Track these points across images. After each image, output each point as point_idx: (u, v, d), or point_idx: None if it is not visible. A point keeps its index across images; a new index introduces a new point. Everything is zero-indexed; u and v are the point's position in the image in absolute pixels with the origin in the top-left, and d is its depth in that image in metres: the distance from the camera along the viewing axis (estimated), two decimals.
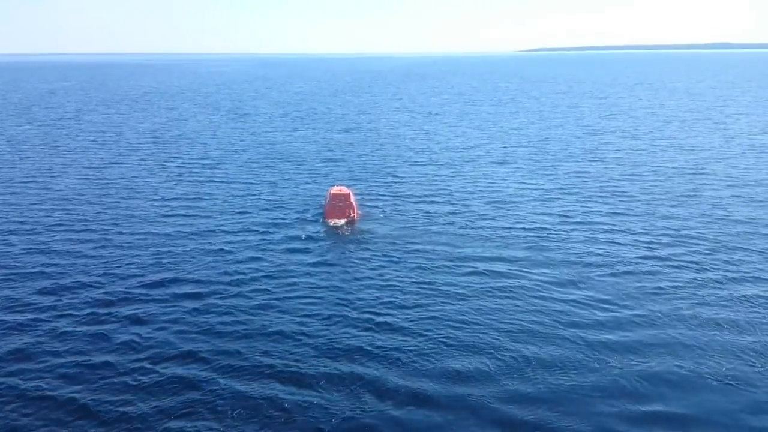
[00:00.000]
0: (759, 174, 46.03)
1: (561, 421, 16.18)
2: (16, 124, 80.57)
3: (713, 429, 15.96)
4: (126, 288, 24.96)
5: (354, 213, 34.20)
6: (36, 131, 73.65)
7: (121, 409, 16.77)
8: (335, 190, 35.62)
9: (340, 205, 34.08)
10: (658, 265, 27.10)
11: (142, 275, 26.30)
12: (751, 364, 18.85)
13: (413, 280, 25.60)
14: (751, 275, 25.91)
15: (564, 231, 32.26)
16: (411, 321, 21.78)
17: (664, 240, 30.54)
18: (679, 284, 25.01)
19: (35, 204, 38.72)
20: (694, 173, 46.52)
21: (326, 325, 21.54)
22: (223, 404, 16.91)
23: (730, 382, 17.85)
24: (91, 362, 19.19)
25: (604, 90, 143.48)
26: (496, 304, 23.26)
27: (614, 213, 35.63)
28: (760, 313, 22.37)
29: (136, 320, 22.05)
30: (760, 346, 19.87)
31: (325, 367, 18.73)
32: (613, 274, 26.10)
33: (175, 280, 25.73)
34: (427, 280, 25.53)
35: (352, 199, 34.72)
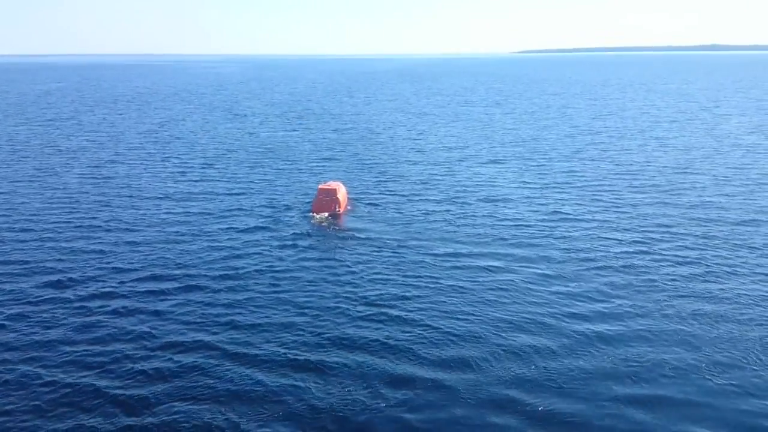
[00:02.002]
0: (749, 172, 47.06)
1: (559, 404, 16.88)
2: (12, 125, 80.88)
3: (702, 413, 16.59)
4: (127, 281, 25.66)
5: (340, 207, 34.90)
6: (33, 131, 74.02)
7: (131, 392, 17.51)
8: (324, 185, 36.38)
9: (326, 199, 34.81)
10: (647, 259, 27.97)
11: (142, 269, 26.95)
12: (738, 355, 19.51)
13: (403, 272, 26.27)
14: (739, 268, 26.76)
15: (556, 227, 33.07)
16: (403, 310, 22.53)
17: (654, 235, 31.38)
18: (668, 277, 25.83)
19: (36, 202, 39.28)
20: (684, 172, 47.51)
21: (322, 314, 22.32)
22: (231, 393, 17.54)
23: (720, 372, 18.47)
24: (99, 350, 19.91)
25: (596, 91, 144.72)
26: (489, 295, 24.03)
27: (605, 210, 36.48)
28: (748, 304, 23.25)
29: (138, 311, 22.76)
30: (747, 338, 20.57)
31: (329, 354, 19.48)
32: (604, 268, 26.91)
33: (172, 273, 26.40)
34: (417, 273, 26.22)
35: (339, 194, 35.36)
